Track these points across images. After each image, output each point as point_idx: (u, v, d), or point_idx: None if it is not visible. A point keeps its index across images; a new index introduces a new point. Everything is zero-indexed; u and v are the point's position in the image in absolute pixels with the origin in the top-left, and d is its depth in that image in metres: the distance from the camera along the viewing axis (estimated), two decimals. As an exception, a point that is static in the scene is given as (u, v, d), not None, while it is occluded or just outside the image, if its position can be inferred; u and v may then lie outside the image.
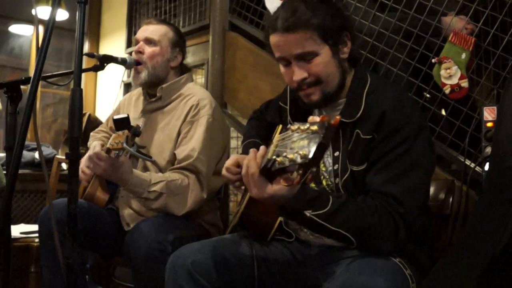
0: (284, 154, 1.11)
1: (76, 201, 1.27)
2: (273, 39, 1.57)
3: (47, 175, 1.52)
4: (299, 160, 1.07)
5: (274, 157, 1.16)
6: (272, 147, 1.23)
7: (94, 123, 4.32)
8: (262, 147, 1.37)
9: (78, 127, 1.28)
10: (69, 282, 1.27)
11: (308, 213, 1.39)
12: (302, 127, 1.12)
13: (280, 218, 1.68)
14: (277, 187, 1.31)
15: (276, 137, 1.24)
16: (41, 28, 4.32)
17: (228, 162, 1.66)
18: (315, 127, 1.09)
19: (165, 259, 1.67)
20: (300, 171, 1.12)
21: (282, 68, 1.63)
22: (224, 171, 1.67)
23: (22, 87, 1.78)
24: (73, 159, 1.27)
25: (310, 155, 1.05)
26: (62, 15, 4.65)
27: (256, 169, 1.32)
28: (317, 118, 1.14)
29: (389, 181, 1.47)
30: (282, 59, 1.59)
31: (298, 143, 1.09)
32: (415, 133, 1.50)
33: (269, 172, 1.28)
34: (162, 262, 1.68)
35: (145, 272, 1.94)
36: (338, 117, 1.11)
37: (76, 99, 1.30)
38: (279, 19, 1.54)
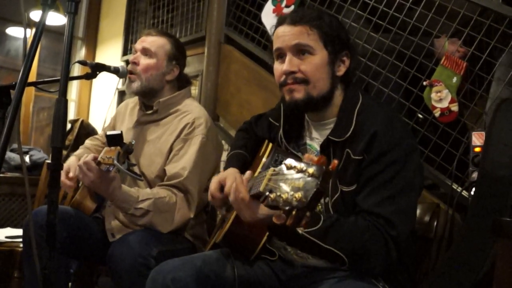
0: (278, 193, 1.06)
1: (56, 211, 1.25)
2: (278, 30, 1.63)
3: (27, 180, 1.51)
4: (294, 203, 1.02)
5: (267, 192, 1.11)
6: (264, 180, 1.17)
7: (87, 129, 4.34)
8: (248, 172, 1.37)
9: (61, 137, 1.26)
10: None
11: (300, 230, 1.37)
12: (298, 166, 1.06)
13: (265, 237, 1.66)
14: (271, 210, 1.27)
15: (269, 171, 1.18)
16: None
17: (212, 188, 1.67)
18: (312, 170, 1.03)
19: (147, 273, 1.66)
20: (294, 213, 1.05)
21: (275, 65, 1.66)
22: (209, 197, 1.70)
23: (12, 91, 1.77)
24: (54, 169, 1.26)
25: (306, 200, 1.00)
26: (60, 19, 4.65)
27: (246, 194, 1.32)
28: (314, 158, 1.09)
29: (381, 203, 1.46)
30: (278, 50, 1.62)
31: (293, 183, 1.04)
32: (405, 155, 1.50)
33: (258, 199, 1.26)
34: (144, 276, 1.67)
35: (127, 285, 1.92)
36: (335, 161, 1.07)
37: (60, 109, 1.28)
38: (287, 16, 1.63)
